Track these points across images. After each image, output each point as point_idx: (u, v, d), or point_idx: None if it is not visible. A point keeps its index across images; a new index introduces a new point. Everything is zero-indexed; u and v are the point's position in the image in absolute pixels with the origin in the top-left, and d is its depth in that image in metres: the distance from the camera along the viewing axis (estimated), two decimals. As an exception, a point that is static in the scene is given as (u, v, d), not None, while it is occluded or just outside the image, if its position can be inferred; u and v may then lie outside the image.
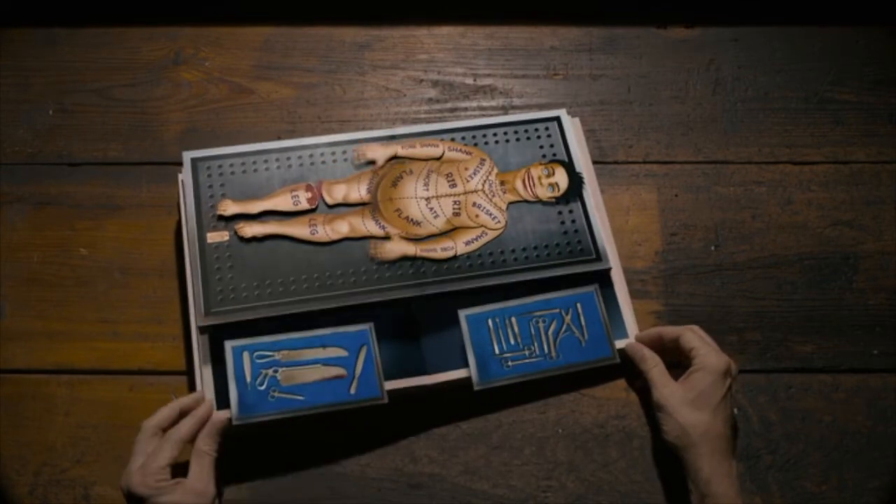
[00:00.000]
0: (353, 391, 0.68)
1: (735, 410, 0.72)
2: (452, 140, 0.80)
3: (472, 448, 0.71)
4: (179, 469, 0.64)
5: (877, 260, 0.79)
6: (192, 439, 0.65)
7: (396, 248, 0.73)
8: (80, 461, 0.71)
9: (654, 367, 0.69)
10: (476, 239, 0.75)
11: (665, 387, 0.67)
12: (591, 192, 0.78)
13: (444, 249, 0.74)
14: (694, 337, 0.69)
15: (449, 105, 0.87)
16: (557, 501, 0.69)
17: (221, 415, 0.67)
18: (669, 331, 0.71)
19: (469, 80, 0.89)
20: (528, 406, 0.73)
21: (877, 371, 0.74)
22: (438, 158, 0.79)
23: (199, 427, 0.66)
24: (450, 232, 0.75)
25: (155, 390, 0.73)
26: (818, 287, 0.78)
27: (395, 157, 0.79)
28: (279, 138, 0.84)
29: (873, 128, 0.85)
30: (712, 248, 0.80)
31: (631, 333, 0.73)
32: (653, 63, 0.90)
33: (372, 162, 0.78)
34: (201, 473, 0.64)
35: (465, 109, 0.87)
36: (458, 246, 0.74)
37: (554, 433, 0.72)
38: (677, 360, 0.70)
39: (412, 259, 0.73)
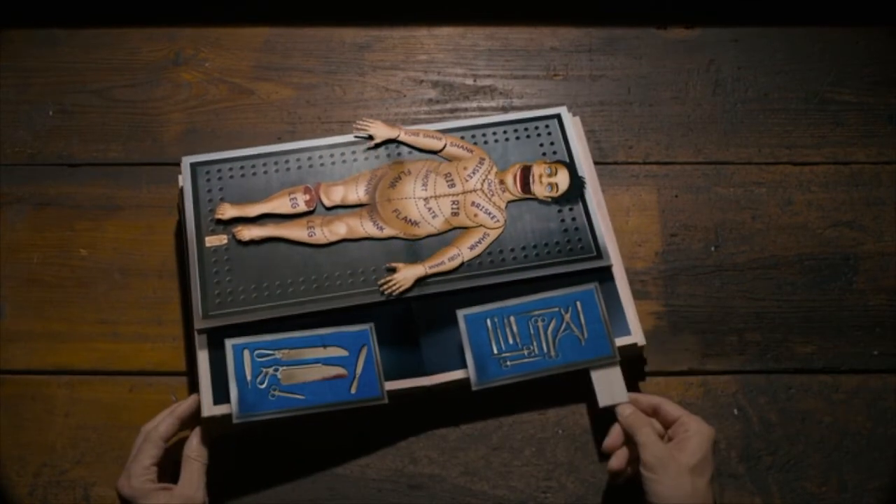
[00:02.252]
0: (353, 391, 0.67)
1: (735, 412, 0.73)
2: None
3: (471, 449, 0.71)
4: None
5: (877, 261, 0.79)
6: (171, 437, 0.65)
7: (408, 275, 0.72)
8: (80, 462, 0.71)
9: (645, 425, 0.65)
10: (479, 242, 0.75)
11: (659, 448, 0.62)
12: (593, 190, 0.78)
13: (452, 259, 0.74)
14: (676, 405, 0.67)
15: (449, 106, 0.87)
16: (557, 502, 0.69)
17: (193, 399, 0.67)
18: (645, 398, 0.68)
19: (469, 81, 0.89)
20: (528, 406, 0.73)
21: (877, 372, 0.74)
22: (439, 152, 0.79)
23: (179, 424, 0.66)
24: (448, 232, 0.75)
25: (155, 391, 0.73)
26: (818, 288, 0.78)
27: (395, 141, 0.79)
28: (279, 139, 0.84)
29: (873, 128, 0.85)
30: (712, 248, 0.80)
31: (634, 330, 0.72)
32: (653, 63, 0.89)
33: (370, 137, 0.79)
34: (191, 480, 0.63)
35: (466, 110, 0.87)
36: (464, 252, 0.74)
37: (554, 434, 0.72)
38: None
39: (423, 278, 0.73)
